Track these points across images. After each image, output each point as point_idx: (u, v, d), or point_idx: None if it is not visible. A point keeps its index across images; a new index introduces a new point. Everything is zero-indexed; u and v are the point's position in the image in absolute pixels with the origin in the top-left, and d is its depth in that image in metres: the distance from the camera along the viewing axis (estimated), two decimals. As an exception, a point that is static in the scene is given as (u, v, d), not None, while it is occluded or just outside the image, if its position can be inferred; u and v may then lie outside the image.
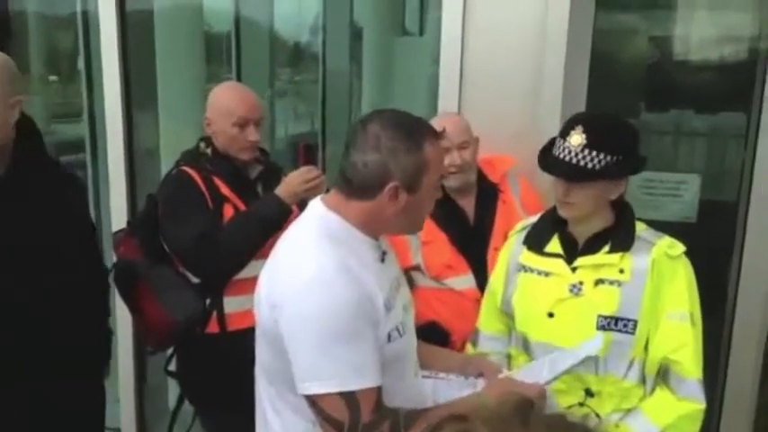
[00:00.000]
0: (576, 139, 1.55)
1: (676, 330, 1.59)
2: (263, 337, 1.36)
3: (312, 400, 1.25)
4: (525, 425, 0.67)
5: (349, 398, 1.22)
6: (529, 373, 1.49)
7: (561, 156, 1.58)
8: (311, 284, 1.24)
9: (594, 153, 1.54)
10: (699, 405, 1.57)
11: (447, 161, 2.10)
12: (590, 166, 1.55)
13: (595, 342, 1.54)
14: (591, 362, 1.59)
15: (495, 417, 0.69)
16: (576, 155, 1.55)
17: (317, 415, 1.26)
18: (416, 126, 1.31)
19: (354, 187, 1.31)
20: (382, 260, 1.38)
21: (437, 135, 1.34)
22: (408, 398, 1.37)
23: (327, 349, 1.22)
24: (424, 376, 1.56)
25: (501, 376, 1.53)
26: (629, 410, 1.61)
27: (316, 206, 1.38)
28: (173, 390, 2.46)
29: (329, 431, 1.25)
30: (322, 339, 1.22)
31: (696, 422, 1.58)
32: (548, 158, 1.63)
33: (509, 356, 1.79)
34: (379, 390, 1.26)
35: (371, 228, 1.35)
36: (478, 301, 1.93)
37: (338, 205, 1.34)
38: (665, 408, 1.58)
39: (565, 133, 1.59)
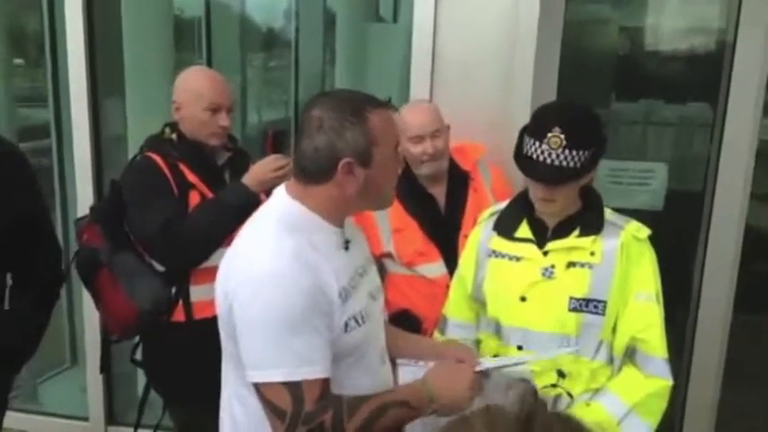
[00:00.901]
0: (556, 141, 1.55)
1: (644, 311, 1.62)
2: (221, 324, 1.36)
3: (257, 388, 1.26)
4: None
5: (293, 388, 1.23)
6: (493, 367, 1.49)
7: (541, 158, 1.57)
8: (263, 275, 1.24)
9: (575, 152, 1.55)
10: (666, 382, 1.61)
11: (419, 149, 2.10)
12: (572, 165, 1.56)
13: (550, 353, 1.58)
14: (564, 343, 1.62)
15: (499, 423, 0.68)
16: (558, 156, 1.56)
17: (262, 402, 1.26)
18: (357, 100, 1.31)
19: (310, 173, 1.31)
20: (346, 248, 1.38)
21: (382, 105, 1.33)
22: (371, 386, 1.36)
23: (275, 339, 1.22)
24: (402, 364, 1.56)
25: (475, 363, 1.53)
26: (597, 390, 1.64)
27: (279, 194, 1.38)
28: (142, 379, 2.44)
29: (272, 419, 1.26)
30: (270, 329, 1.22)
31: (664, 399, 1.62)
32: (525, 161, 1.62)
33: (478, 342, 1.80)
34: (325, 380, 1.26)
35: (336, 212, 1.35)
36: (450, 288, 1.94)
37: (299, 193, 1.34)
38: (634, 386, 1.61)
39: (540, 134, 1.58)
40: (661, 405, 1.62)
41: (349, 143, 1.27)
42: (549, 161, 1.57)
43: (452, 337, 1.83)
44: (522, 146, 1.64)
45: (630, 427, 1.58)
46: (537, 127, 1.61)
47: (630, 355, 1.63)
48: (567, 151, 1.55)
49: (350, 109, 1.28)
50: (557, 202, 1.64)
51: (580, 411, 1.58)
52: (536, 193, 1.65)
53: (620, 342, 1.63)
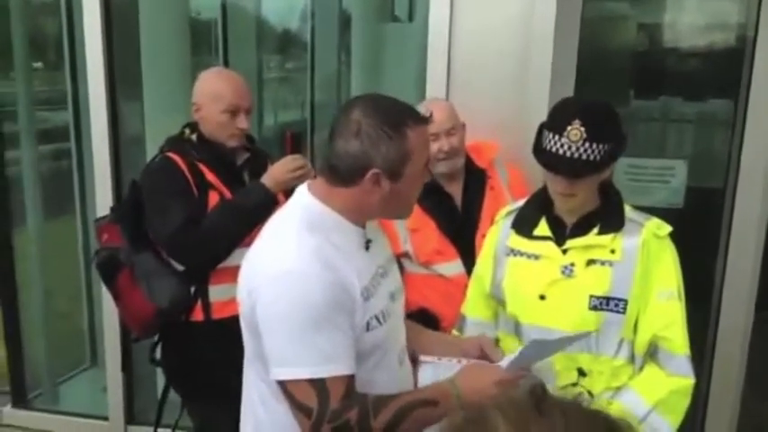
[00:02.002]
0: (576, 133, 1.54)
1: (665, 308, 1.60)
2: (244, 323, 1.36)
3: (283, 386, 1.26)
4: (540, 411, 0.66)
5: (319, 385, 1.23)
6: (516, 360, 1.48)
7: (561, 152, 1.56)
8: (286, 273, 1.24)
9: (595, 145, 1.54)
10: (689, 380, 1.59)
11: (435, 147, 2.09)
12: (592, 158, 1.55)
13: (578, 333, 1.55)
14: (584, 342, 1.60)
15: (509, 403, 0.68)
16: (578, 149, 1.54)
17: (288, 400, 1.26)
18: (399, 112, 1.29)
19: (337, 174, 1.30)
20: (367, 248, 1.37)
21: (422, 120, 1.32)
22: (391, 385, 1.36)
23: (299, 337, 1.22)
24: (425, 361, 1.55)
25: (496, 358, 1.52)
26: (618, 388, 1.62)
27: (301, 193, 1.38)
28: (161, 378, 2.46)
29: (298, 417, 1.26)
30: (294, 327, 1.22)
31: (686, 397, 1.60)
32: (545, 154, 1.61)
33: (497, 340, 1.79)
34: (350, 378, 1.26)
35: (356, 214, 1.34)
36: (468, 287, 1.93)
37: (323, 192, 1.34)
38: (656, 384, 1.59)
39: (560, 127, 1.56)
40: (684, 403, 1.60)
41: (382, 155, 1.26)
42: (569, 154, 1.55)
43: (471, 335, 1.82)
44: (542, 140, 1.63)
45: (653, 425, 1.56)
46: (556, 120, 1.60)
47: (652, 353, 1.61)
48: (587, 144, 1.54)
49: (391, 121, 1.27)
50: (576, 197, 1.62)
51: None
52: (556, 187, 1.63)
53: (642, 340, 1.62)
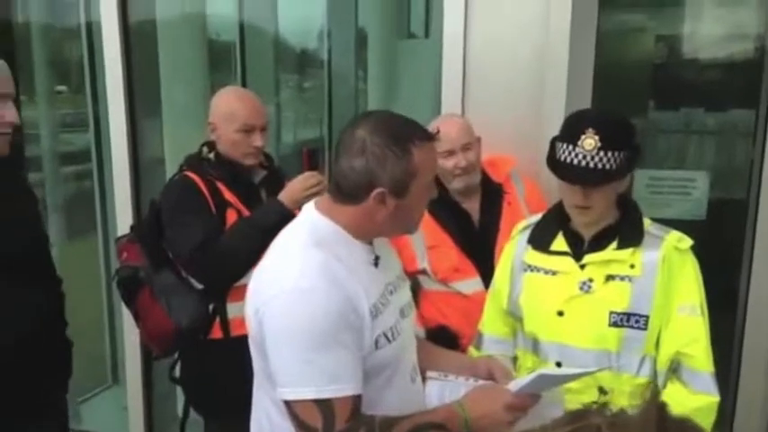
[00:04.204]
0: (590, 142, 1.53)
1: (688, 324, 1.57)
2: (251, 341, 1.35)
3: (288, 406, 1.25)
4: None
5: (324, 405, 1.21)
6: (526, 386, 1.45)
7: (575, 161, 1.55)
8: (292, 291, 1.23)
9: (610, 154, 1.53)
10: (713, 398, 1.56)
11: (451, 163, 2.09)
12: (607, 167, 1.53)
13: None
14: (605, 359, 1.57)
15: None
16: (593, 158, 1.53)
17: (293, 420, 1.25)
18: (405, 130, 1.28)
19: (343, 192, 1.30)
20: (375, 264, 1.37)
21: (428, 137, 1.31)
22: (401, 404, 1.34)
23: (305, 356, 1.21)
24: (432, 378, 1.53)
25: (503, 382, 1.50)
26: None
27: (308, 210, 1.38)
28: (181, 397, 2.47)
29: None
30: (300, 346, 1.21)
31: (711, 414, 1.56)
32: (559, 165, 1.60)
33: (515, 358, 1.77)
34: (356, 398, 1.25)
35: (363, 231, 1.34)
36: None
37: (330, 209, 1.33)
38: (680, 402, 1.55)
39: (574, 137, 1.56)
40: (708, 421, 1.56)
41: (387, 173, 1.26)
42: (583, 163, 1.54)
43: (489, 352, 1.80)
44: (555, 152, 1.62)
45: None
46: (569, 131, 1.59)
47: (675, 370, 1.58)
48: (601, 152, 1.53)
49: (396, 139, 1.26)
50: (593, 210, 1.60)
51: None
52: (571, 200, 1.61)
53: (664, 357, 1.59)
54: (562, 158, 1.58)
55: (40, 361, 1.82)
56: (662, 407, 0.68)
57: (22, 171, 1.88)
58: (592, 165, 1.53)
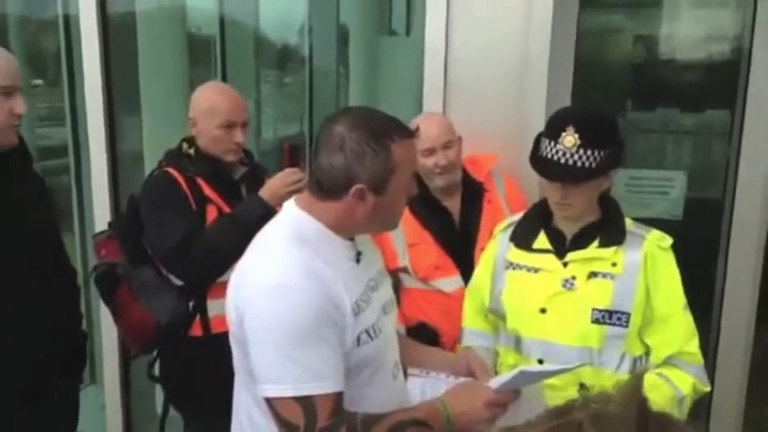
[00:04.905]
0: (570, 140, 1.54)
1: (683, 323, 1.61)
2: (233, 338, 1.35)
3: (270, 403, 1.25)
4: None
5: (305, 402, 1.21)
6: (507, 383, 1.46)
7: (555, 158, 1.56)
8: (273, 288, 1.23)
9: (590, 152, 1.54)
10: (706, 388, 1.61)
11: (432, 162, 2.09)
12: (587, 165, 1.55)
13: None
14: (586, 356, 1.59)
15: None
16: (572, 155, 1.54)
17: (274, 418, 1.25)
18: (384, 127, 1.28)
19: (323, 188, 1.30)
20: (357, 261, 1.37)
21: (407, 133, 1.31)
22: (384, 401, 1.35)
23: (286, 353, 1.21)
24: (413, 375, 1.54)
25: (483, 378, 1.50)
26: None
27: (289, 207, 1.37)
28: (160, 395, 2.45)
29: None
30: (281, 343, 1.21)
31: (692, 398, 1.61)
32: (540, 162, 1.61)
33: (496, 353, 1.78)
34: (338, 395, 1.25)
35: (343, 228, 1.34)
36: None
37: (310, 206, 1.33)
38: (683, 380, 1.60)
39: (555, 134, 1.57)
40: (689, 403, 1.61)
41: (366, 170, 1.26)
42: (563, 161, 1.55)
43: (469, 344, 1.81)
44: (539, 148, 1.63)
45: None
46: (552, 127, 1.61)
47: (668, 362, 1.62)
48: (581, 150, 1.54)
49: (375, 135, 1.26)
50: (573, 207, 1.61)
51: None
52: (552, 196, 1.63)
53: (661, 355, 1.61)
54: (543, 154, 1.60)
55: (63, 352, 1.86)
56: (643, 402, 0.69)
57: (32, 160, 1.91)
58: (571, 162, 1.55)
